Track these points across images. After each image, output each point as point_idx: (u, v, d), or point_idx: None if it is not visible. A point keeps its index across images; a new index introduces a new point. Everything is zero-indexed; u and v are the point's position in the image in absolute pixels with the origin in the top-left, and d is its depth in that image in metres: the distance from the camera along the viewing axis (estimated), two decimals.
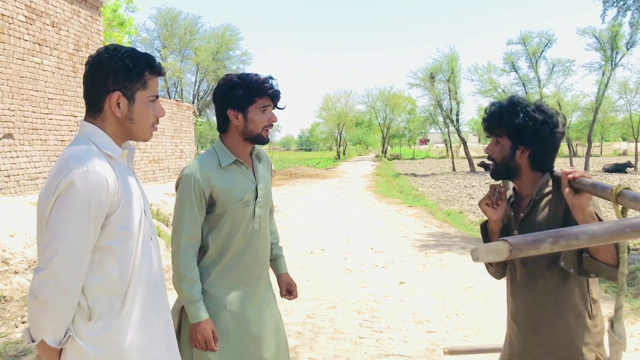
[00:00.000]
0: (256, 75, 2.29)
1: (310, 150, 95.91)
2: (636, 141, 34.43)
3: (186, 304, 2.17)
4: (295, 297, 2.67)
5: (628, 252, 1.70)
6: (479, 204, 2.07)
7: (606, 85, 31.22)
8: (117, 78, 1.61)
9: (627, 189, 1.37)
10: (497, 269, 2.14)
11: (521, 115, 1.88)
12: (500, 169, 1.98)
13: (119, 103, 1.63)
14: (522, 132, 1.88)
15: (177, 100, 17.87)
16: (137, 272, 1.64)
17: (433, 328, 4.72)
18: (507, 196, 2.07)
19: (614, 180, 20.60)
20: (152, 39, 39.43)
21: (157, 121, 1.75)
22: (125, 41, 19.66)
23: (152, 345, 1.69)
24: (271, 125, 2.30)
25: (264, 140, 2.31)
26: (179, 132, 16.63)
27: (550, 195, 1.89)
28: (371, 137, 66.02)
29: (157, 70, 1.70)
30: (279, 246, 2.68)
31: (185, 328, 2.23)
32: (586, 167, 28.07)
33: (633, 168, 28.52)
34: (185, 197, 2.20)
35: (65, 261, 1.47)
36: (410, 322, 4.89)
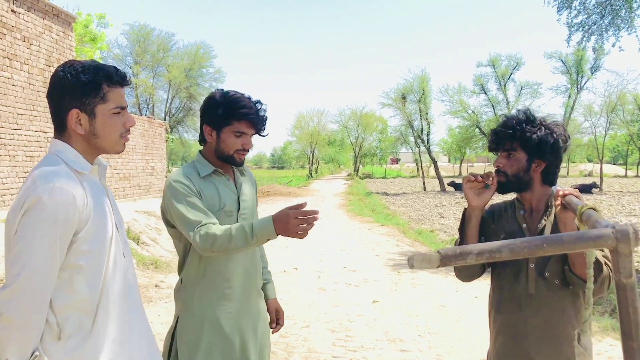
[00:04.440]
0: (241, 97, 2.19)
1: (282, 168, 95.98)
2: (601, 163, 35.37)
3: (252, 240, 1.98)
4: (282, 325, 2.58)
5: (600, 268, 1.75)
6: (463, 182, 2.01)
7: (572, 108, 32.22)
8: (72, 95, 1.57)
9: (592, 208, 1.38)
10: (466, 275, 2.13)
11: (543, 128, 1.92)
12: (512, 181, 1.97)
13: (79, 120, 1.59)
14: (542, 146, 1.91)
15: (149, 117, 17.72)
16: (108, 290, 1.59)
17: (406, 347, 4.76)
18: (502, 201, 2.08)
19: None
20: (124, 55, 39.05)
21: (128, 131, 1.70)
22: (97, 57, 19.40)
23: None
24: (246, 150, 2.23)
25: (235, 163, 2.25)
26: (150, 149, 16.46)
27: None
28: (343, 156, 66.51)
29: (116, 81, 1.63)
30: (267, 270, 2.58)
31: (175, 344, 2.18)
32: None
33: (598, 189, 29.20)
34: (180, 196, 2.09)
35: (31, 278, 1.43)
36: (383, 340, 4.92)
